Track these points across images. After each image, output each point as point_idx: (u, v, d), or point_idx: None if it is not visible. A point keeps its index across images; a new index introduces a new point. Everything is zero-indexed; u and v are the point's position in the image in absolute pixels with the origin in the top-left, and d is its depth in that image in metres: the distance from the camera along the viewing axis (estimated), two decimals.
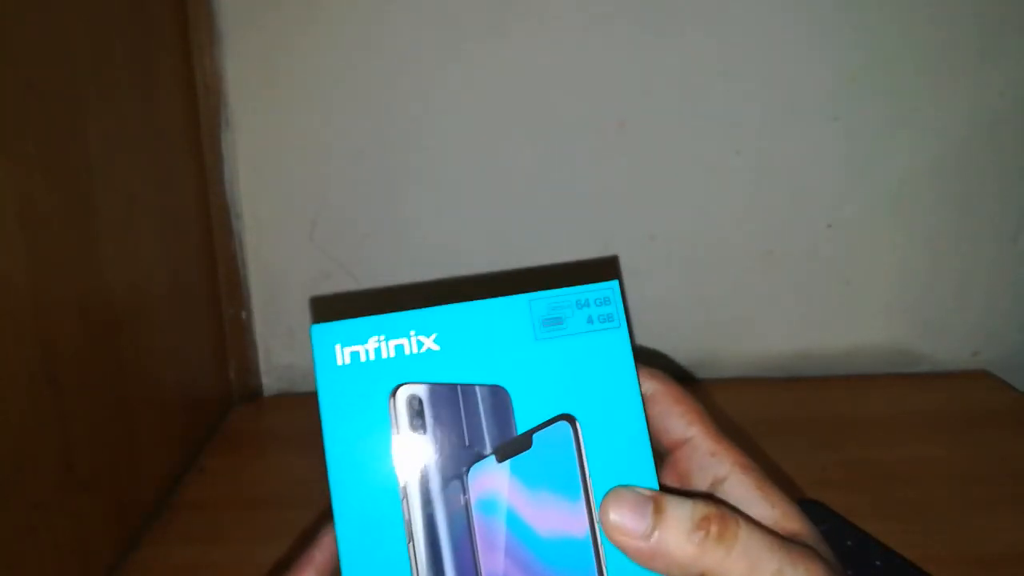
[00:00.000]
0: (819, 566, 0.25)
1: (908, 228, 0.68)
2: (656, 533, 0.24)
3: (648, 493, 0.25)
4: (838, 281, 0.70)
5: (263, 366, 0.73)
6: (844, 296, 0.70)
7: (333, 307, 0.70)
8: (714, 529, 0.24)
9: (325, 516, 0.26)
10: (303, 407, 0.69)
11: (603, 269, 0.69)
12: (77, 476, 0.46)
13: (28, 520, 0.41)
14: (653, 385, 0.29)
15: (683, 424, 0.29)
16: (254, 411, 0.70)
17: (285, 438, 0.65)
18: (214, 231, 0.67)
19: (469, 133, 0.67)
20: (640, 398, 0.27)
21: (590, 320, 0.27)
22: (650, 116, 0.66)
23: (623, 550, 0.25)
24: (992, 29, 0.63)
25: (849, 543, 0.46)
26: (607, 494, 0.26)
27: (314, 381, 0.26)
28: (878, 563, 0.45)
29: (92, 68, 0.49)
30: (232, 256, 0.69)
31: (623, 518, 0.25)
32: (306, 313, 0.70)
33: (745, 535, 0.24)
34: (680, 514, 0.24)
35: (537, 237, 0.69)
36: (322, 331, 0.27)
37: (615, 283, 0.28)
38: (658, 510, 0.25)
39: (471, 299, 0.27)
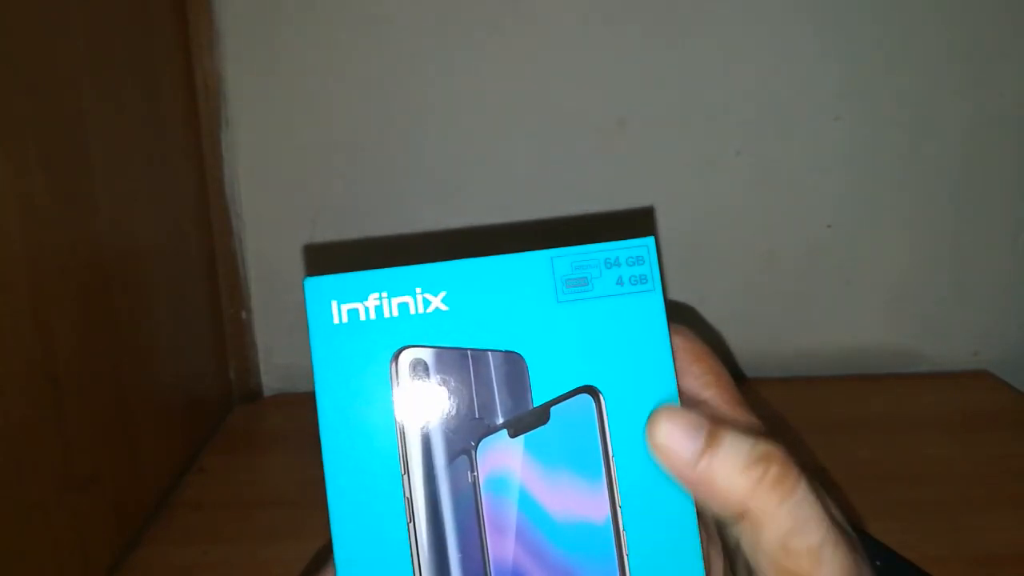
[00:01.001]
0: (856, 559, 0.22)
1: (908, 228, 0.68)
2: (705, 459, 0.22)
3: (703, 419, 0.23)
4: (838, 281, 0.70)
5: (263, 366, 0.73)
6: (844, 296, 0.70)
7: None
8: (774, 470, 0.22)
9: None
10: (303, 407, 0.69)
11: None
12: (77, 476, 0.46)
13: (28, 520, 0.41)
14: (673, 340, 0.26)
15: (698, 385, 0.26)
16: (254, 411, 0.70)
17: (285, 438, 0.65)
18: (214, 231, 0.67)
19: (469, 133, 0.66)
20: (674, 371, 0.24)
21: (620, 281, 0.24)
22: (650, 115, 0.66)
23: (668, 471, 0.23)
24: (993, 29, 0.63)
25: None
26: (655, 411, 0.23)
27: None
28: (878, 563, 0.44)
29: (92, 68, 0.49)
30: (232, 256, 0.69)
31: (670, 439, 0.23)
32: (306, 313, 0.70)
33: (802, 492, 0.22)
34: (738, 446, 0.22)
35: (537, 236, 0.68)
36: (316, 285, 0.24)
37: (650, 240, 0.24)
38: (713, 438, 0.22)
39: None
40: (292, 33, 0.65)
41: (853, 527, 0.24)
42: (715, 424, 0.23)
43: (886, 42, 0.64)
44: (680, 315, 0.69)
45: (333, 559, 0.23)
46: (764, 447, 0.22)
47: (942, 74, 0.64)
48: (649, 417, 0.23)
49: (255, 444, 0.65)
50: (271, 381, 0.73)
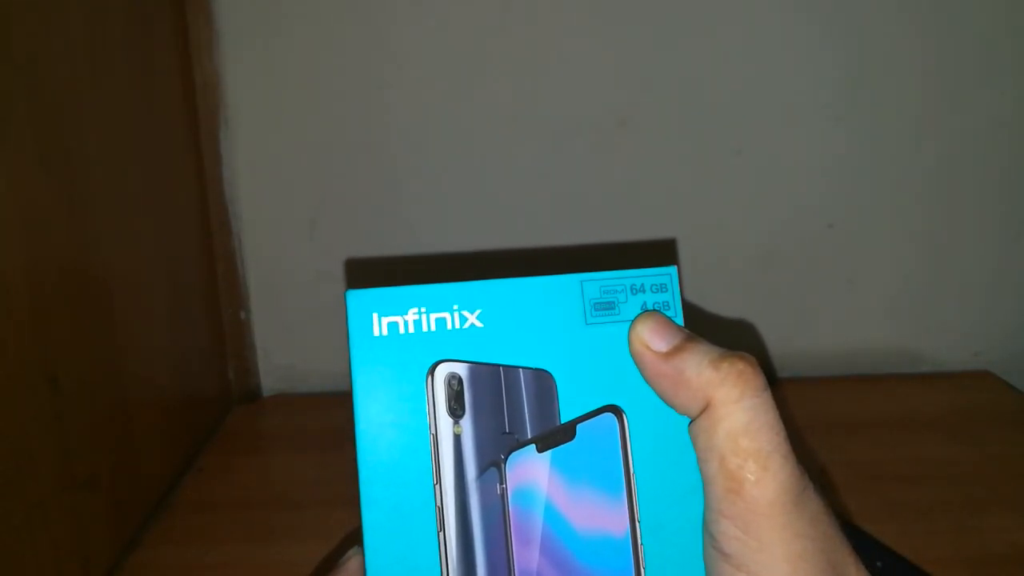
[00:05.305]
0: (804, 485, 0.23)
1: (909, 228, 0.68)
2: (678, 354, 0.24)
3: (685, 330, 0.25)
4: (839, 281, 0.70)
5: (262, 366, 0.72)
6: (845, 296, 0.70)
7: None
8: (740, 366, 0.23)
9: (349, 540, 0.24)
10: (302, 407, 0.70)
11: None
12: (76, 476, 0.46)
13: (28, 520, 0.41)
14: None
15: None
16: (253, 411, 0.70)
17: (284, 438, 0.65)
18: (213, 231, 0.67)
19: (469, 133, 0.66)
20: None
21: (644, 307, 0.26)
22: (650, 115, 0.66)
23: (639, 361, 0.24)
24: (993, 29, 0.63)
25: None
26: (644, 312, 0.25)
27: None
28: (879, 564, 0.44)
29: (91, 68, 0.49)
30: (231, 256, 0.69)
31: (651, 333, 0.24)
32: (305, 313, 0.70)
33: (765, 399, 0.23)
34: (711, 346, 0.24)
35: (536, 237, 0.68)
36: (359, 297, 0.25)
37: (673, 269, 0.26)
38: (690, 339, 0.24)
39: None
40: (291, 33, 0.65)
41: (850, 526, 0.24)
42: (694, 334, 0.24)
43: (886, 42, 0.64)
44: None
45: (364, 563, 0.24)
46: (737, 352, 0.23)
47: (942, 74, 0.64)
48: (637, 316, 0.25)
49: (254, 444, 0.65)
50: (270, 382, 0.73)
